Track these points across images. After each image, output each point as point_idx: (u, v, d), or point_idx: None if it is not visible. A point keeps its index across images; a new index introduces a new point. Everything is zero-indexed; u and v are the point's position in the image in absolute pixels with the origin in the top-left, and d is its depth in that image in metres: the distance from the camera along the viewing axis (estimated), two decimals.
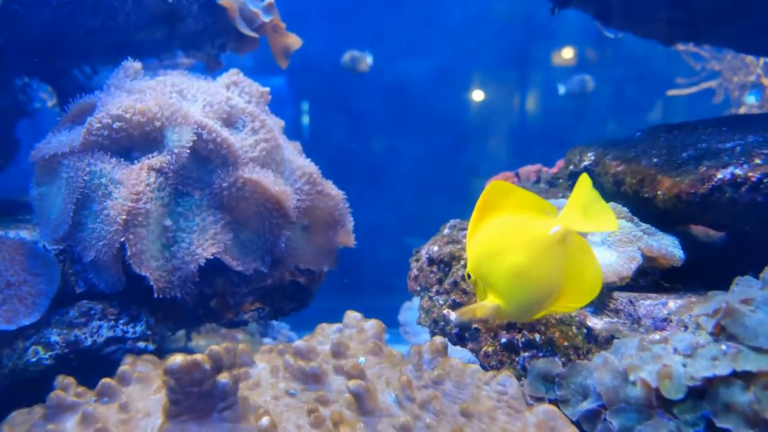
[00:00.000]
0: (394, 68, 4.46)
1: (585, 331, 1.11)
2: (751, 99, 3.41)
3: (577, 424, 0.99)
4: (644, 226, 1.23)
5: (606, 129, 4.41)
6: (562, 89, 3.96)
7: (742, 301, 0.94)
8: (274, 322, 2.77)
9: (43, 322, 1.23)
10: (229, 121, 1.42)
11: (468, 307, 0.94)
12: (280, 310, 1.58)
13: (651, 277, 1.22)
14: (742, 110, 3.40)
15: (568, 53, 4.42)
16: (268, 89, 1.55)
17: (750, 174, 1.08)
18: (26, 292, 1.21)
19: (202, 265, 1.29)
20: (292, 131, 1.57)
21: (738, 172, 1.10)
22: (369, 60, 3.58)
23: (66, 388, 1.10)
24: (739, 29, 1.68)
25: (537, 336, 1.14)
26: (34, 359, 1.21)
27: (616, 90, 4.44)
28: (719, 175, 1.12)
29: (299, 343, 1.18)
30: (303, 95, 4.46)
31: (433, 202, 4.29)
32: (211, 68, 2.02)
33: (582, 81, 3.77)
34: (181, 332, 2.06)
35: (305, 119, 4.48)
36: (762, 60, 3.29)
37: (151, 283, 1.24)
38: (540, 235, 0.81)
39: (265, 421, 0.94)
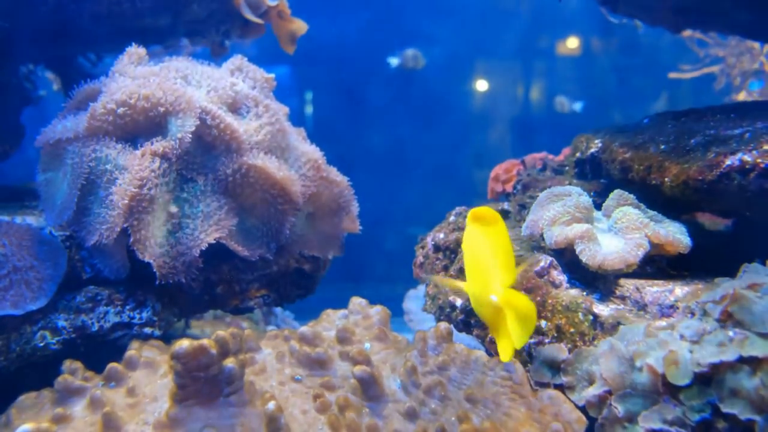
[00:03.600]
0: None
1: (591, 317, 1.10)
2: (754, 86, 3.39)
3: (582, 409, 1.00)
4: (651, 213, 1.23)
5: (610, 118, 4.38)
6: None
7: (749, 287, 0.94)
8: (278, 311, 2.78)
9: (50, 307, 1.24)
10: (234, 107, 1.42)
11: (453, 282, 1.09)
12: (285, 296, 1.58)
13: (657, 264, 1.21)
14: (741, 96, 3.38)
15: (572, 42, 4.38)
16: (273, 75, 1.54)
17: (759, 160, 1.07)
18: (33, 277, 1.22)
19: (204, 250, 1.29)
20: (296, 120, 1.57)
21: (747, 158, 1.09)
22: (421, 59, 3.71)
23: (74, 372, 1.11)
24: (748, 15, 1.66)
25: (543, 322, 1.14)
26: (41, 344, 1.22)
27: (621, 79, 4.41)
28: (728, 162, 1.11)
29: (305, 328, 1.18)
30: (307, 84, 4.44)
31: (437, 191, 4.28)
32: (216, 54, 2.01)
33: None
34: (185, 320, 2.07)
35: (309, 108, 4.47)
36: (767, 47, 3.26)
37: (155, 270, 1.24)
38: (487, 291, 0.96)
39: (271, 405, 0.94)
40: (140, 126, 1.31)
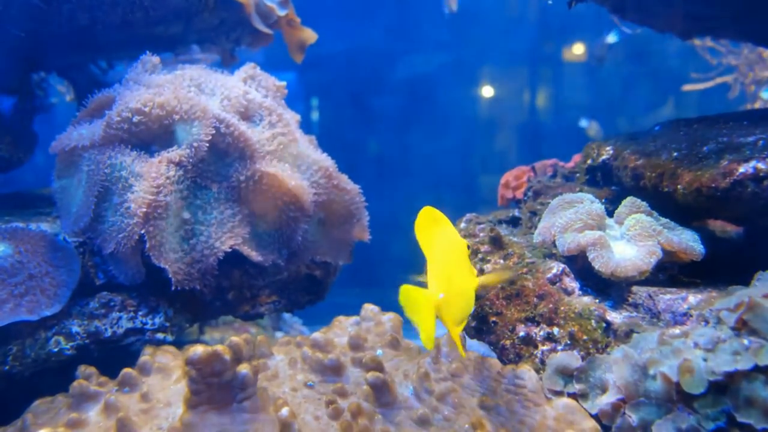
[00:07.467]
0: (406, 63, 4.45)
1: (604, 325, 1.10)
2: (766, 94, 3.37)
3: (595, 417, 0.99)
4: (663, 220, 1.22)
5: (617, 125, 4.38)
6: None
7: (765, 295, 0.94)
8: (287, 316, 2.78)
9: (65, 313, 1.25)
10: (247, 115, 1.43)
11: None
12: (295, 302, 1.59)
13: (670, 272, 1.21)
14: (758, 105, 3.36)
15: (579, 49, 4.39)
16: (284, 83, 1.56)
17: None
18: (48, 283, 1.23)
19: (221, 258, 1.30)
20: (304, 127, 1.58)
21: (760, 166, 1.08)
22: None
23: (88, 377, 1.12)
24: (759, 22, 1.66)
25: (556, 330, 1.14)
26: (56, 349, 1.23)
27: (628, 85, 4.41)
28: (741, 169, 1.10)
29: (317, 335, 1.19)
30: (314, 91, 4.46)
31: (445, 198, 4.28)
32: (227, 63, 2.03)
33: None
34: (196, 325, 2.08)
35: (316, 115, 4.49)
36: None
37: (170, 276, 1.25)
38: (435, 291, 1.01)
39: (284, 411, 0.95)
40: (155, 134, 1.32)
